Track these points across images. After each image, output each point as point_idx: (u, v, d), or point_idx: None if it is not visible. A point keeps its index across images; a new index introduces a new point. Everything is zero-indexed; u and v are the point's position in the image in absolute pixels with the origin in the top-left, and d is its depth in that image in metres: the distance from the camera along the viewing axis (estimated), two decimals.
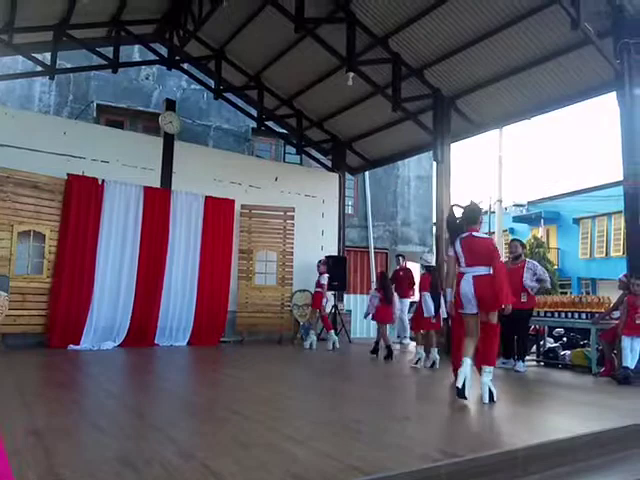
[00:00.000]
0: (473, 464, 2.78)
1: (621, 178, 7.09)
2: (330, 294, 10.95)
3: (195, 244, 9.93)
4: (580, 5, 6.46)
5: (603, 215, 23.00)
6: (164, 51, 10.72)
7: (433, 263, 7.73)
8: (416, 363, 7.04)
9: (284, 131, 12.65)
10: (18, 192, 8.21)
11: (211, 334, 9.79)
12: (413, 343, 9.67)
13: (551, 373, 7.09)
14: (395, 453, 2.92)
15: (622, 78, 6.89)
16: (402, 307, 9.97)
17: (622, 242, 20.01)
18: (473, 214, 4.87)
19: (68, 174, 8.74)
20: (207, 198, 10.12)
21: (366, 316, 8.49)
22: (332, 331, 9.53)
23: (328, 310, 10.27)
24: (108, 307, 8.85)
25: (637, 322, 6.11)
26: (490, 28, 7.85)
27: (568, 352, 7.68)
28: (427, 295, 6.94)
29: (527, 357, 7.38)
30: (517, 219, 26.90)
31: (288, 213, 11.03)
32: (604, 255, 23.18)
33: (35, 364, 6.77)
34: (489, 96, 9.17)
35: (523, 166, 57.76)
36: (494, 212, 18.91)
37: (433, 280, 7.04)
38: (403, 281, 9.99)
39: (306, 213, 11.33)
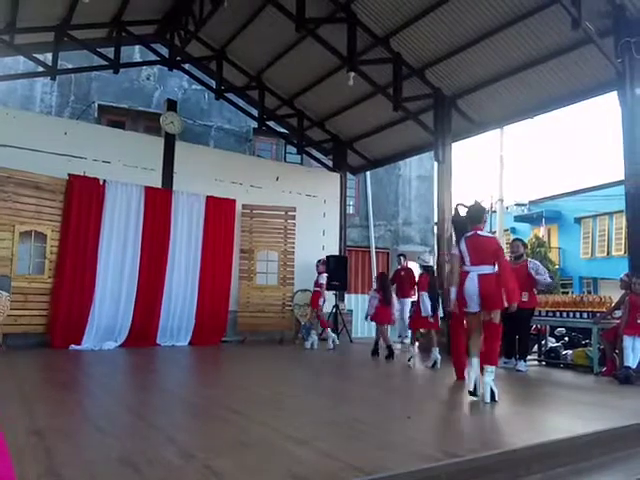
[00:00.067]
0: (474, 464, 2.78)
1: (622, 177, 7.09)
2: (331, 294, 10.97)
3: (196, 244, 9.93)
4: (581, 4, 6.45)
5: (604, 214, 22.95)
6: (165, 51, 10.72)
7: (431, 263, 7.84)
8: (409, 360, 7.12)
9: (285, 131, 12.66)
10: (19, 192, 8.22)
11: (212, 334, 9.79)
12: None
13: (552, 373, 7.09)
14: (396, 453, 2.91)
15: (623, 77, 6.87)
16: (403, 307, 9.96)
17: (623, 241, 19.98)
18: (478, 213, 4.93)
19: (69, 174, 8.74)
20: (208, 198, 10.12)
21: (367, 317, 8.51)
22: (329, 329, 9.56)
23: (327, 310, 10.27)
24: (109, 307, 8.86)
25: (638, 321, 6.11)
26: (491, 27, 7.84)
27: (569, 352, 7.68)
28: (425, 295, 7.06)
29: (528, 357, 7.37)
30: (518, 218, 26.86)
31: (289, 213, 11.03)
32: (605, 254, 23.14)
33: (36, 364, 6.78)
34: (490, 95, 9.17)
35: (524, 165, 57.72)
36: (495, 211, 18.87)
37: (431, 280, 7.18)
38: (404, 281, 9.97)
39: (307, 213, 11.33)
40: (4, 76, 10.25)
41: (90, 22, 9.44)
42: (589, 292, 21.76)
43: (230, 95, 11.59)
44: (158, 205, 9.54)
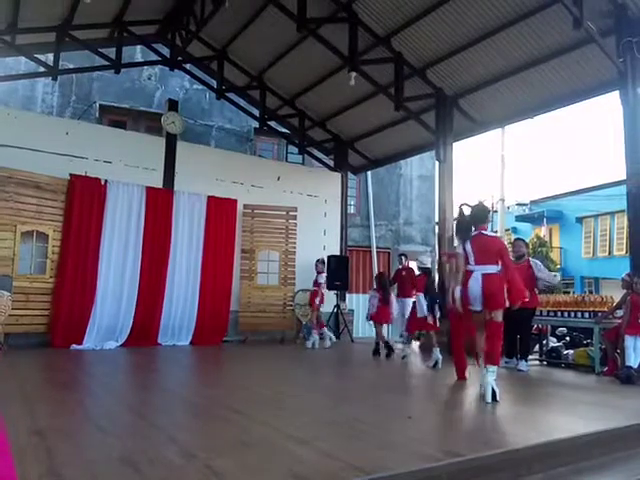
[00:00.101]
0: (475, 464, 2.77)
1: (624, 177, 7.08)
2: (332, 293, 10.97)
3: (197, 244, 9.94)
4: (582, 4, 6.44)
5: (606, 214, 22.91)
6: (166, 51, 10.73)
7: (429, 265, 7.97)
8: (403, 358, 7.24)
9: (286, 131, 12.65)
10: (21, 192, 8.23)
11: (213, 334, 9.79)
12: (415, 343, 9.69)
13: (554, 372, 7.08)
14: (397, 453, 2.91)
15: (625, 77, 6.86)
16: (404, 306, 9.94)
17: (625, 241, 19.95)
18: (482, 213, 5.01)
19: (71, 174, 8.75)
20: (209, 198, 10.13)
21: (368, 317, 8.53)
22: (325, 328, 9.58)
23: (328, 310, 10.27)
24: (111, 307, 8.87)
25: None
26: (492, 27, 7.84)
27: (571, 351, 7.68)
28: (421, 296, 7.19)
29: (530, 356, 7.37)
30: (520, 218, 26.83)
31: (290, 213, 11.03)
32: (607, 254, 23.10)
33: (38, 364, 6.79)
34: (491, 95, 9.16)
35: (526, 165, 57.68)
36: (497, 211, 18.87)
37: (428, 282, 7.28)
38: (405, 281, 9.95)
39: (308, 213, 11.33)
40: (5, 76, 10.27)
41: (91, 22, 9.45)
42: (590, 292, 21.72)
43: (231, 95, 11.60)
44: (159, 205, 9.54)
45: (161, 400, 4.60)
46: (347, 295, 12.59)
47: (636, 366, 5.94)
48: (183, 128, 10.49)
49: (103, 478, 2.44)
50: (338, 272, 10.98)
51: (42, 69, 9.63)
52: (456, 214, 5.30)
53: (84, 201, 8.77)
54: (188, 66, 11.48)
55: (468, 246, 4.83)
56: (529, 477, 2.92)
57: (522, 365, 6.79)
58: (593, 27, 6.77)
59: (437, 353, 6.96)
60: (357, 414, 3.97)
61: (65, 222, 8.66)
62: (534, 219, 26.01)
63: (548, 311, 7.54)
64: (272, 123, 12.29)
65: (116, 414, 3.95)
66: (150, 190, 9.50)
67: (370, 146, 12.15)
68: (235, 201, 10.48)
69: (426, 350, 8.19)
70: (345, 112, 11.16)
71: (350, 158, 12.54)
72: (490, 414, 4.18)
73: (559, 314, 7.40)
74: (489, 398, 4.41)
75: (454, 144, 9.53)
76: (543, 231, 24.61)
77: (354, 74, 8.69)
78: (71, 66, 10.80)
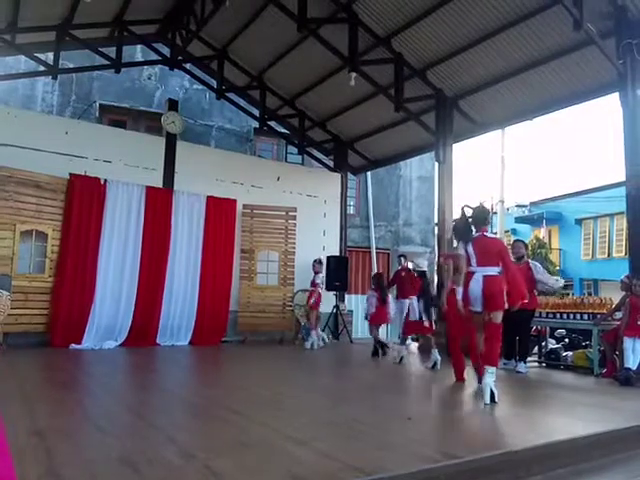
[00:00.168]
0: (474, 465, 2.78)
1: (623, 179, 7.08)
2: (332, 294, 10.97)
3: (197, 244, 9.93)
4: (583, 5, 6.45)
5: (605, 216, 22.93)
6: (166, 51, 10.73)
7: (425, 268, 8.02)
8: (400, 361, 7.29)
9: (286, 131, 12.65)
10: (20, 191, 8.23)
11: (213, 334, 9.79)
12: (414, 343, 9.69)
13: (553, 374, 7.09)
14: (396, 453, 2.92)
15: (625, 79, 6.87)
16: (403, 307, 9.94)
17: (624, 243, 19.95)
18: (483, 215, 5.05)
19: (70, 174, 8.75)
20: (209, 198, 10.13)
21: (367, 317, 8.53)
22: (318, 329, 9.59)
23: (327, 310, 10.28)
24: (110, 306, 8.86)
25: (639, 323, 6.10)
26: (493, 28, 7.84)
27: (570, 353, 7.68)
28: (414, 299, 7.27)
29: (529, 358, 7.38)
30: (519, 220, 26.84)
31: (290, 213, 11.03)
32: (606, 256, 23.12)
33: (37, 363, 6.79)
34: (491, 96, 9.16)
35: (525, 167, 57.68)
36: (496, 213, 18.87)
37: (424, 285, 7.31)
38: (405, 281, 9.95)
39: (308, 213, 11.33)
40: (5, 75, 10.26)
41: (92, 21, 9.45)
42: (589, 293, 21.74)
43: (231, 95, 11.60)
44: (159, 205, 9.54)
45: (160, 400, 4.60)
46: (346, 296, 12.58)
47: (635, 368, 5.95)
48: (183, 128, 10.49)
49: (102, 478, 2.44)
50: (337, 273, 10.97)
51: (42, 68, 9.63)
52: (458, 216, 5.33)
53: (84, 200, 8.77)
54: (188, 66, 11.48)
55: (470, 248, 4.86)
56: (528, 478, 2.92)
57: (521, 367, 6.79)
58: (593, 29, 6.78)
59: (436, 354, 6.97)
60: (356, 415, 3.97)
61: (64, 221, 8.65)
62: (533, 220, 26.03)
63: (547, 313, 7.54)
64: (272, 123, 12.29)
65: (115, 414, 3.95)
66: (150, 190, 9.50)
67: (370, 147, 12.15)
68: (235, 201, 10.48)
69: (425, 351, 8.19)
70: (345, 113, 11.16)
71: (350, 159, 12.54)
72: (489, 415, 4.18)
73: (558, 316, 7.40)
74: (488, 399, 4.41)
75: (454, 145, 9.54)
76: (542, 233, 24.62)
77: (354, 75, 8.69)
78: (71, 65, 10.79)
